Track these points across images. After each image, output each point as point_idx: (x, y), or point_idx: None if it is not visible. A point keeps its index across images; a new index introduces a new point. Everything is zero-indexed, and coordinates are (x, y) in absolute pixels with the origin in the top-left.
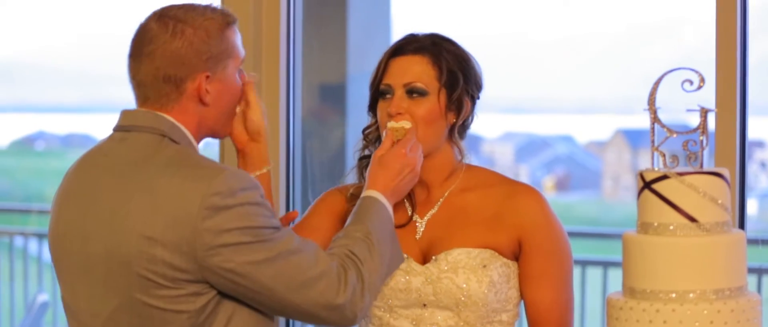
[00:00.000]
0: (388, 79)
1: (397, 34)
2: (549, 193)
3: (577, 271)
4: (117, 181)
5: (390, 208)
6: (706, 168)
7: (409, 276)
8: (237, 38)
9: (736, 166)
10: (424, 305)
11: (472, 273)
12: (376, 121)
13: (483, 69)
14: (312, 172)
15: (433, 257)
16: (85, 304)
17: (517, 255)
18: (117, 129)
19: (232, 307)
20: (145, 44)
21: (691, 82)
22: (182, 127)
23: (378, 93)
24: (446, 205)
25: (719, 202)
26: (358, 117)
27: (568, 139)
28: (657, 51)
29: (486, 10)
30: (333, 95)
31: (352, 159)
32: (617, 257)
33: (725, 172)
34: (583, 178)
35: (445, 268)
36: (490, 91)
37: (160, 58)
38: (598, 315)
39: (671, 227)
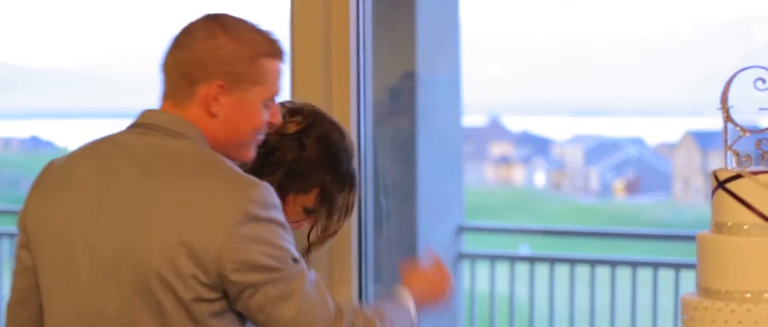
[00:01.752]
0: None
1: (465, 36)
2: (619, 195)
3: (648, 273)
4: (141, 174)
5: (414, 318)
6: None
7: None
8: (275, 72)
9: None
10: None
11: None
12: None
13: (552, 71)
14: (383, 176)
15: None
16: (84, 295)
17: None
18: (136, 126)
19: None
20: (182, 36)
21: (764, 81)
22: (198, 129)
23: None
24: None
25: None
26: (427, 119)
27: (637, 142)
28: (725, 51)
29: (554, 11)
30: (402, 97)
31: (423, 160)
32: (689, 259)
33: None
34: (653, 180)
35: None
36: (560, 93)
37: (185, 52)
38: (671, 317)
39: (745, 226)
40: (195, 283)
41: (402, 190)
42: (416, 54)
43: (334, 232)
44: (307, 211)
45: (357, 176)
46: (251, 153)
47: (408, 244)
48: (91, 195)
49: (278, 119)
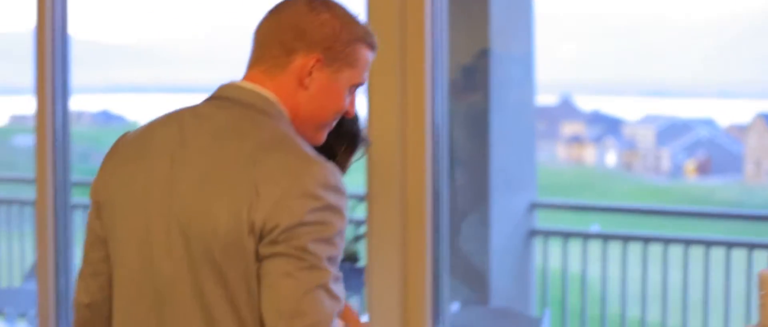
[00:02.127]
0: None
1: (539, 14)
2: (690, 176)
3: (721, 253)
4: (212, 145)
5: None
6: None
7: None
8: (367, 61)
9: None
10: None
11: None
12: None
13: (624, 51)
14: (457, 151)
15: None
16: (157, 264)
17: None
18: (218, 98)
19: None
20: (284, 7)
21: None
22: (280, 105)
23: None
24: None
25: None
26: (501, 96)
27: (709, 123)
28: None
29: None
30: (476, 75)
31: (496, 137)
32: (763, 239)
33: None
34: (724, 161)
35: None
36: (632, 73)
37: (287, 22)
38: (743, 297)
39: None
40: (252, 254)
41: (475, 166)
42: (490, 32)
43: None
44: None
45: (359, 138)
46: (323, 137)
47: (481, 219)
48: (165, 164)
49: (353, 110)
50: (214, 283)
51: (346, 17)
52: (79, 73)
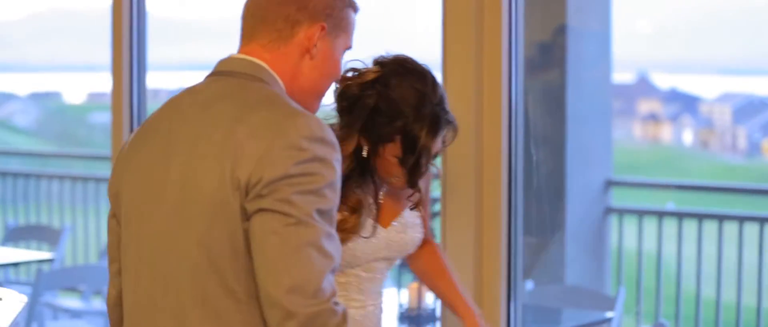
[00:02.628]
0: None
1: None
2: (767, 155)
3: None
4: (201, 112)
5: None
6: None
7: (377, 239)
8: (354, 25)
9: None
10: (377, 260)
11: (413, 230)
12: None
13: (703, 29)
14: (533, 129)
15: (391, 223)
16: (157, 239)
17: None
18: (214, 73)
19: None
20: None
21: None
22: (275, 75)
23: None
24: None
25: None
26: (577, 72)
27: None
28: None
29: None
30: (553, 51)
31: (572, 114)
32: None
33: None
34: None
35: (399, 229)
36: (709, 51)
37: None
38: None
39: None
40: (237, 212)
41: (551, 142)
42: (567, 8)
43: (419, 175)
44: (400, 162)
45: (443, 121)
46: (319, 106)
47: (556, 195)
48: (162, 141)
49: (340, 74)
50: (198, 247)
51: None
52: (156, 50)
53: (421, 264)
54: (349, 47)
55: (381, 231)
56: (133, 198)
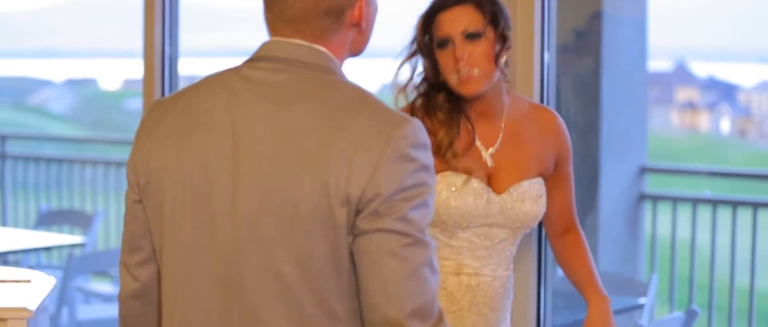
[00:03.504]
0: (446, 30)
1: None
2: None
3: None
4: (282, 115)
5: None
6: None
7: (489, 204)
8: None
9: None
10: (490, 225)
11: (534, 201)
12: (431, 69)
13: (741, 16)
14: (566, 116)
15: (508, 190)
16: (224, 250)
17: (550, 170)
18: (270, 59)
19: None
20: None
21: None
22: (336, 60)
23: (436, 45)
24: (506, 136)
25: None
26: (613, 58)
27: None
28: None
29: None
30: (588, 37)
31: (607, 101)
32: None
33: None
34: None
35: (516, 198)
36: (747, 39)
37: None
38: None
39: None
40: (343, 228)
41: (586, 129)
42: None
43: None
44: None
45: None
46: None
47: (590, 181)
48: (225, 139)
49: None
50: (293, 265)
51: None
52: (193, 37)
53: (562, 251)
54: None
55: (494, 197)
56: (184, 197)
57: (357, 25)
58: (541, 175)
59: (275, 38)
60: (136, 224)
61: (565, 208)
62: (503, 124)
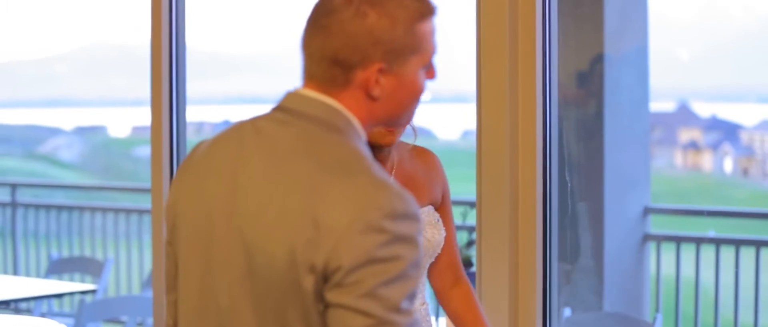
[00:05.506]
0: None
1: (653, 15)
2: None
3: None
4: (272, 171)
5: None
6: None
7: None
8: (431, 33)
9: None
10: None
11: (434, 227)
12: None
13: (741, 56)
14: (569, 154)
15: None
16: (216, 296)
17: (439, 203)
18: (284, 111)
19: None
20: (322, 15)
21: None
22: (350, 115)
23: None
24: (398, 172)
25: None
26: (615, 100)
27: None
28: None
29: None
30: (590, 79)
31: (610, 141)
32: None
33: None
34: None
35: None
36: (748, 78)
37: (334, 36)
38: None
39: None
40: (310, 295)
41: (589, 170)
42: (604, 36)
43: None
44: None
45: None
46: (411, 118)
47: (594, 222)
48: (226, 188)
49: (435, 74)
50: (273, 324)
51: (392, 4)
52: (200, 84)
53: (454, 305)
54: (431, 57)
55: None
56: (195, 243)
57: (369, 94)
58: (433, 204)
59: (295, 90)
60: (169, 264)
61: (452, 249)
62: (394, 163)
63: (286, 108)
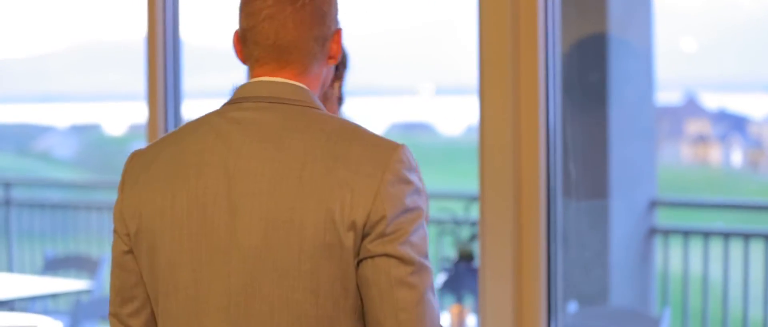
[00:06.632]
0: None
1: (658, 4)
2: None
3: None
4: (274, 151)
5: None
6: None
7: None
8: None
9: None
10: None
11: None
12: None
13: (749, 46)
14: (575, 149)
15: None
16: (233, 285)
17: None
18: (246, 100)
19: None
20: (288, 3)
21: None
22: (316, 96)
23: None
24: None
25: None
26: (619, 91)
27: None
28: None
29: None
30: (594, 69)
31: (615, 134)
32: None
33: None
34: None
35: None
36: (756, 69)
37: (310, 16)
38: None
39: None
40: (350, 251)
41: (595, 163)
42: (608, 26)
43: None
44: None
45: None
46: None
47: (600, 215)
48: (220, 179)
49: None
50: (303, 291)
51: None
52: (197, 79)
53: None
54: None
55: None
56: (182, 240)
57: (333, 57)
58: None
59: (255, 79)
60: (127, 275)
61: None
62: None
63: (255, 97)
